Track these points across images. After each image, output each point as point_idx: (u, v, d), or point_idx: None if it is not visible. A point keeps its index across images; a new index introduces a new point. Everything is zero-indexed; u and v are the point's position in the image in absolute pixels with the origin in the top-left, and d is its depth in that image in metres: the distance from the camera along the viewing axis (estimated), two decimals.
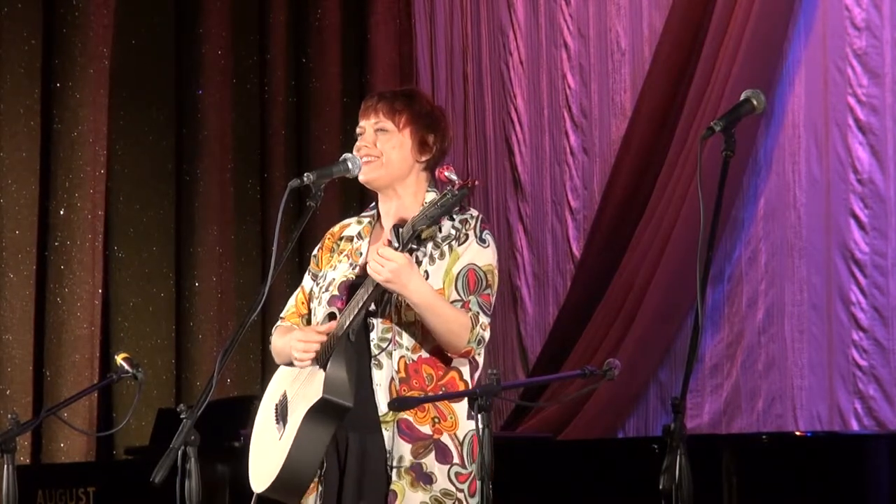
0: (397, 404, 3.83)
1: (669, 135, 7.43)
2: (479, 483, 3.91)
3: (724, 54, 7.14)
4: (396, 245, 3.86)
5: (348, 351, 3.92)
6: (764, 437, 6.22)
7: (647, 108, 7.57)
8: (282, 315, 4.23)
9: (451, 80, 8.76)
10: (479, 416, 3.61)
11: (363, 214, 4.23)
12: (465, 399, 3.96)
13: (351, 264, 4.09)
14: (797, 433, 6.62)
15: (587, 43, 8.10)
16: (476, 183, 3.93)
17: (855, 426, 6.83)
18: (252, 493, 4.08)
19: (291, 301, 4.23)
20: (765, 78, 7.02)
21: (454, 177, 3.88)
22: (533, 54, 8.35)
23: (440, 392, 3.95)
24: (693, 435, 5.60)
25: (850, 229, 6.93)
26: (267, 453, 4.03)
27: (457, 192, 3.83)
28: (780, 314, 7.14)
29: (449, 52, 8.80)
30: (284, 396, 4.06)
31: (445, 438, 3.95)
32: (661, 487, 3.22)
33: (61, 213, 8.13)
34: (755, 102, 3.57)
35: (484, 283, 3.98)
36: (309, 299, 4.16)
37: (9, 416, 4.54)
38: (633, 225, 7.54)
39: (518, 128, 8.39)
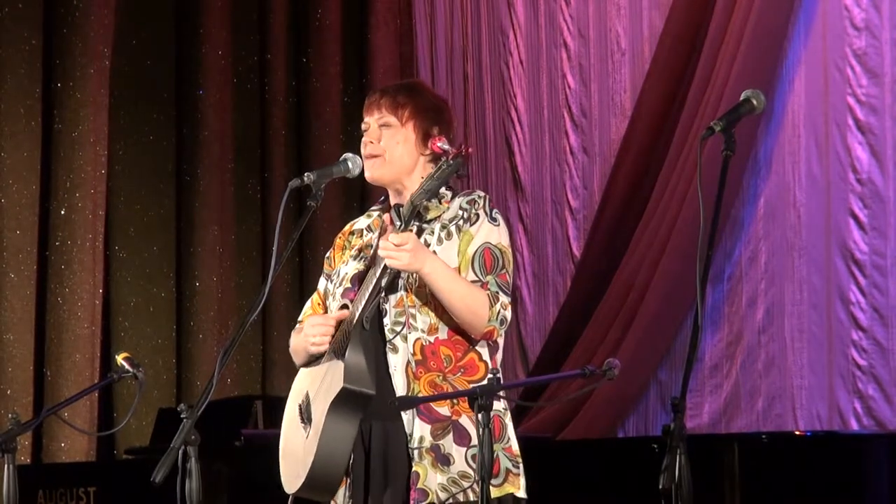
0: (400, 403, 3.83)
1: (669, 135, 7.43)
2: (516, 464, 3.93)
3: (724, 54, 7.14)
4: (399, 223, 3.85)
5: (364, 339, 3.90)
6: (764, 436, 6.23)
7: (647, 108, 7.58)
8: (299, 318, 4.22)
9: (452, 80, 8.77)
10: (480, 415, 3.61)
11: (372, 208, 4.22)
12: (485, 379, 3.92)
13: (362, 257, 4.08)
14: (797, 433, 6.63)
15: (587, 43, 8.10)
16: (470, 150, 3.92)
17: (854, 426, 6.84)
18: (286, 495, 4.06)
19: (308, 304, 4.22)
20: (765, 78, 7.02)
21: (447, 146, 3.87)
22: (533, 54, 8.35)
23: (458, 373, 3.93)
24: (693, 435, 5.62)
25: (849, 229, 6.93)
26: (296, 453, 4.01)
27: (451, 162, 3.82)
28: (779, 314, 7.14)
29: (449, 52, 8.80)
30: (307, 396, 4.04)
31: (464, 420, 3.92)
32: (660, 487, 3.22)
33: (62, 213, 8.13)
34: (755, 102, 3.58)
35: (500, 262, 3.96)
36: (324, 299, 4.16)
37: (9, 415, 4.53)
38: (633, 225, 7.55)
39: (518, 128, 8.40)
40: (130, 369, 4.61)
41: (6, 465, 4.43)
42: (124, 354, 4.67)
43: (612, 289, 7.57)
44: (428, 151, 4.06)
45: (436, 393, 3.90)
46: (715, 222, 3.39)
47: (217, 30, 8.63)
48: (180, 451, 3.71)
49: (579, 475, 5.99)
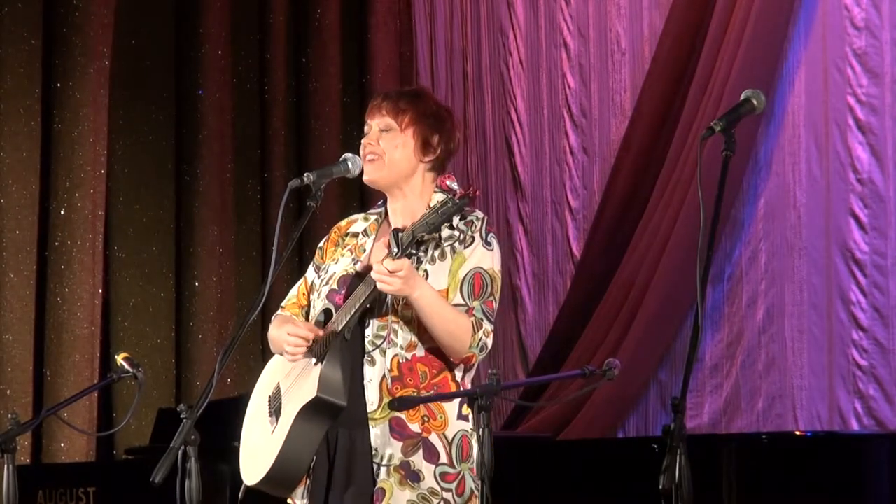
0: (397, 404, 3.84)
1: (669, 135, 7.43)
2: (479, 483, 3.92)
3: (724, 54, 7.14)
4: (396, 250, 3.86)
5: (343, 349, 3.93)
6: (764, 437, 6.22)
7: (647, 108, 7.57)
8: (282, 304, 4.24)
9: (451, 80, 8.76)
10: (480, 416, 3.61)
11: (371, 211, 4.23)
12: (456, 399, 3.97)
13: (353, 259, 4.10)
14: (797, 433, 6.63)
15: (587, 43, 8.10)
16: (477, 192, 3.93)
17: (855, 426, 6.83)
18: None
19: (293, 291, 4.24)
20: (765, 78, 7.02)
21: (455, 186, 3.91)
22: (533, 54, 8.35)
23: (432, 391, 3.96)
24: (693, 435, 5.62)
25: (850, 229, 6.93)
26: (259, 446, 4.04)
27: (458, 202, 3.83)
28: (780, 314, 7.14)
29: (449, 52, 8.80)
30: (278, 389, 4.07)
31: (433, 437, 3.96)
32: (661, 487, 3.22)
33: (61, 212, 8.13)
34: (755, 102, 3.58)
35: (489, 288, 3.99)
36: (310, 291, 4.17)
37: (9, 415, 4.54)
38: (633, 225, 7.55)
39: (518, 128, 8.39)
40: (130, 369, 4.62)
41: (6, 466, 4.43)
42: (124, 354, 4.68)
43: (612, 289, 7.57)
44: (427, 159, 4.08)
45: (412, 410, 3.93)
46: (715, 222, 3.39)
47: (217, 30, 8.63)
48: (180, 451, 3.72)
49: (579, 475, 5.98)
